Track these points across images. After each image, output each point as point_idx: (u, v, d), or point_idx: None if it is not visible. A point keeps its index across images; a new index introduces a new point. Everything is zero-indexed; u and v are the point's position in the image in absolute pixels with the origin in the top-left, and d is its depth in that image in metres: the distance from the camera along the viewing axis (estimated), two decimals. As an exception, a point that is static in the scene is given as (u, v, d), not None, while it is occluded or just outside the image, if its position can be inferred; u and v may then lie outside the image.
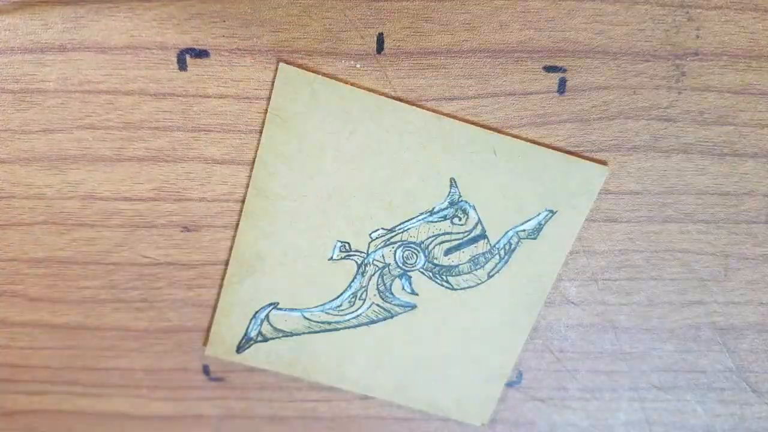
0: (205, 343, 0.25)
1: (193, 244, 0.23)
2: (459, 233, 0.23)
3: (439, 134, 0.22)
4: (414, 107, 0.21)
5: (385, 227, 0.23)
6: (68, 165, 0.22)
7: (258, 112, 0.21)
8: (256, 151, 0.22)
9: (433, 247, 0.23)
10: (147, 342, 0.25)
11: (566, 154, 0.22)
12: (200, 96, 0.21)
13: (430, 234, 0.23)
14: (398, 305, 0.24)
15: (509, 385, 0.26)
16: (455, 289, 0.24)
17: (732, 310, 0.24)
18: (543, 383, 0.26)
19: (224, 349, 0.25)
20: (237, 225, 0.23)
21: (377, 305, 0.24)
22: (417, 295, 0.24)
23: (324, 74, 0.21)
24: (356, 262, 0.23)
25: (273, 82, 0.21)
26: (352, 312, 0.24)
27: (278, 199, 0.22)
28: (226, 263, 0.23)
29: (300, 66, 0.21)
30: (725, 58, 0.21)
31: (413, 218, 0.23)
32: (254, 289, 0.24)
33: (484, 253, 0.23)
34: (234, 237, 0.23)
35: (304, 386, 0.26)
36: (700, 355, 0.25)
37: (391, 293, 0.24)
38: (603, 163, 0.22)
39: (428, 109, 0.21)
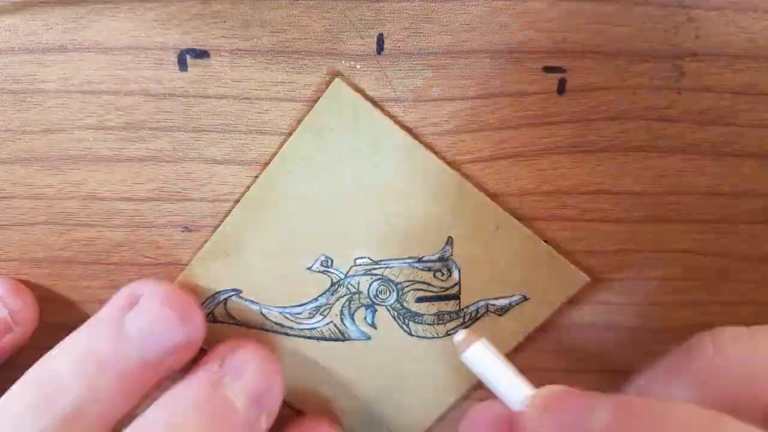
0: None
1: (193, 244, 0.23)
2: (436, 287, 0.24)
3: (455, 195, 0.22)
4: (443, 163, 0.22)
5: (372, 258, 0.23)
6: (69, 165, 0.22)
7: (258, 112, 0.21)
8: (277, 149, 0.22)
9: (408, 291, 0.24)
10: (147, 342, 0.25)
11: (557, 254, 0.23)
12: (201, 96, 0.21)
13: (410, 278, 0.23)
14: (355, 332, 0.24)
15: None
16: (411, 335, 0.24)
17: (732, 310, 0.24)
18: (542, 383, 0.26)
19: None
20: None
21: (335, 325, 0.24)
22: (375, 328, 0.24)
23: (370, 99, 0.21)
24: (332, 279, 0.24)
25: (325, 87, 0.21)
26: (309, 323, 0.24)
27: (284, 196, 0.22)
28: None
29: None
30: (724, 58, 0.21)
31: (400, 259, 0.23)
32: (224, 271, 0.23)
33: (450, 312, 0.24)
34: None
35: (304, 386, 0.26)
36: (700, 354, 0.25)
37: (353, 319, 0.24)
38: (589, 271, 0.23)
39: (428, 106, 0.21)
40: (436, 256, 0.23)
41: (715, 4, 0.20)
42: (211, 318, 0.24)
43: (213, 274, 0.24)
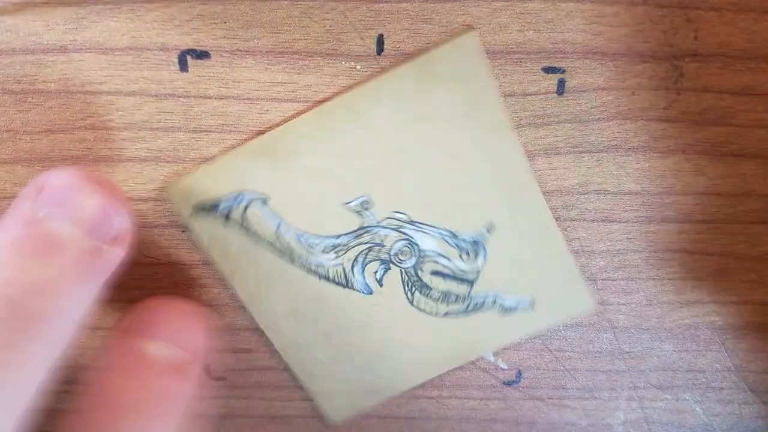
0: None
1: (194, 244, 0.23)
2: (456, 267, 0.23)
3: (516, 187, 0.22)
4: (522, 156, 0.22)
5: (410, 216, 0.23)
6: (70, 165, 0.22)
7: (259, 113, 0.21)
8: None
9: (428, 261, 0.23)
10: (148, 341, 0.25)
11: (579, 273, 0.23)
12: (201, 97, 0.21)
13: (435, 249, 0.23)
14: (359, 283, 0.24)
15: (508, 384, 0.26)
16: (411, 304, 0.24)
17: (730, 309, 0.25)
18: (542, 382, 0.26)
19: (182, 198, 0.22)
20: None
21: (343, 269, 0.23)
22: (381, 286, 0.24)
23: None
24: (362, 222, 0.23)
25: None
26: (319, 258, 0.23)
27: (355, 123, 0.22)
28: None
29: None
30: (723, 59, 0.21)
31: (436, 227, 0.23)
32: (260, 173, 0.22)
33: (458, 295, 0.24)
34: None
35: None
36: (699, 354, 0.25)
37: (363, 271, 0.23)
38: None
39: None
40: (470, 238, 0.23)
41: (714, 4, 0.20)
42: (222, 218, 0.23)
43: (248, 171, 0.22)
